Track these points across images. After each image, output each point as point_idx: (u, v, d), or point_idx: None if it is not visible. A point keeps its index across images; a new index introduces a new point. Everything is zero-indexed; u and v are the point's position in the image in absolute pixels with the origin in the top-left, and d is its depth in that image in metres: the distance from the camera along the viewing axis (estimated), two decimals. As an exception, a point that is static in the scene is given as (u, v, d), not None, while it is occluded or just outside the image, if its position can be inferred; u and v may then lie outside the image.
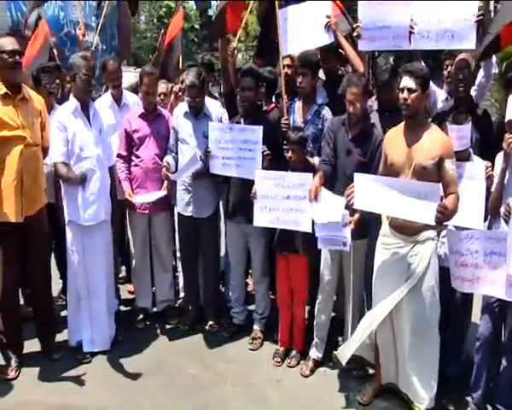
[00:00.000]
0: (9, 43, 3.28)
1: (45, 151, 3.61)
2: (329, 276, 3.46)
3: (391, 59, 3.51)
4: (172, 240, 4.25)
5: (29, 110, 3.43)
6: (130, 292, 4.63)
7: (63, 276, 4.26)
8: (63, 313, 4.01)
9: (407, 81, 2.84)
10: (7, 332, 3.55)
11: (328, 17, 3.67)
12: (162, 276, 4.25)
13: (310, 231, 3.27)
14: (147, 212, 4.03)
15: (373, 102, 3.65)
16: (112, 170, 3.84)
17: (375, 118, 3.51)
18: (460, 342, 3.30)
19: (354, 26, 3.69)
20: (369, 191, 2.85)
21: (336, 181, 3.37)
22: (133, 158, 4.01)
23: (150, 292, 4.29)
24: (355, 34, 3.66)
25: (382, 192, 2.79)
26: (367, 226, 3.27)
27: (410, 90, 2.82)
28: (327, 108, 3.75)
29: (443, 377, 3.06)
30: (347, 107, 3.28)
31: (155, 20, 31.52)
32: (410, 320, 2.94)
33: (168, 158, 3.93)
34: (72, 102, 3.61)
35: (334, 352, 3.23)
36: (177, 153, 3.98)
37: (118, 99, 4.38)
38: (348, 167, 3.31)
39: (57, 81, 4.18)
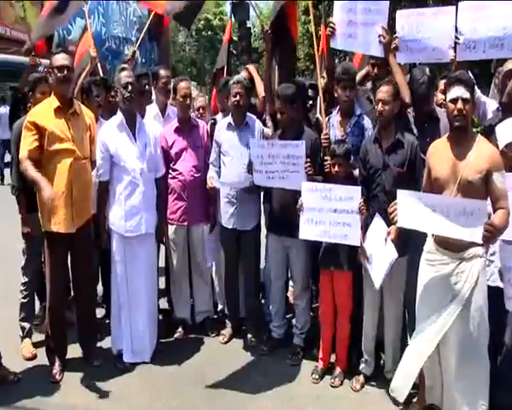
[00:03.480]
0: (59, 59, 3.47)
1: (94, 164, 3.78)
2: (372, 294, 3.45)
3: (427, 70, 3.48)
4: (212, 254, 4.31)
5: (79, 124, 3.58)
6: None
7: (105, 284, 4.44)
8: (106, 321, 4.17)
9: (461, 91, 2.77)
10: (53, 336, 3.71)
11: (383, 29, 3.58)
12: (201, 287, 4.33)
13: (358, 244, 3.28)
14: (185, 224, 4.12)
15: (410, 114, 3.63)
16: (159, 182, 3.94)
17: (414, 130, 3.52)
18: (512, 367, 3.08)
19: (393, 37, 3.65)
20: (412, 208, 2.80)
21: (374, 199, 3.39)
22: (170, 171, 4.09)
23: (189, 303, 4.36)
24: (392, 46, 3.63)
25: (426, 209, 2.75)
26: (407, 242, 3.24)
27: (465, 101, 2.76)
28: (366, 117, 3.77)
29: (494, 404, 2.92)
30: (378, 107, 3.31)
31: (194, 34, 32.27)
32: (456, 342, 2.83)
33: (212, 173, 4.03)
34: (118, 116, 3.79)
35: (391, 387, 3.15)
36: (219, 167, 4.06)
37: (163, 110, 4.50)
38: (387, 182, 3.33)
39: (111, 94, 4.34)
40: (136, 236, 3.77)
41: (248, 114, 4.07)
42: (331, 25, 3.70)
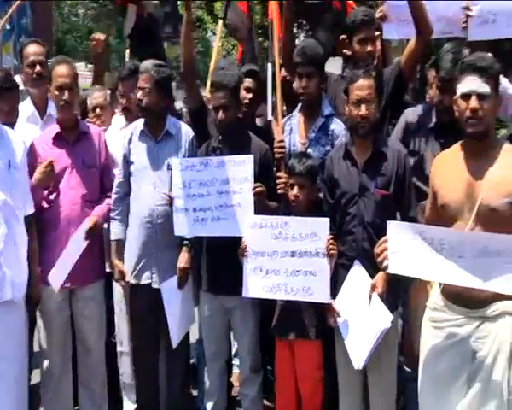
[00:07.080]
0: None
1: None
2: (350, 374, 3.41)
3: (466, 51, 3.49)
4: (105, 327, 4.20)
5: None
6: None
7: None
8: None
9: (476, 84, 2.78)
10: None
11: None
12: (92, 385, 4.12)
13: (327, 301, 3.29)
14: (67, 285, 3.93)
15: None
16: (31, 223, 3.72)
17: (431, 139, 3.62)
18: None
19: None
20: (409, 248, 2.79)
21: (348, 237, 3.42)
22: (44, 204, 3.92)
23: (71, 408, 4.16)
24: (378, 15, 3.77)
25: (430, 249, 2.74)
26: (397, 287, 3.34)
27: (483, 97, 2.78)
28: (337, 119, 3.86)
29: None
30: (352, 111, 3.34)
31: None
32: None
33: (115, 227, 3.97)
34: None
35: None
36: (128, 194, 3.98)
37: (41, 107, 4.38)
38: (366, 212, 3.38)
39: None
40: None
41: (173, 118, 4.04)
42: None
